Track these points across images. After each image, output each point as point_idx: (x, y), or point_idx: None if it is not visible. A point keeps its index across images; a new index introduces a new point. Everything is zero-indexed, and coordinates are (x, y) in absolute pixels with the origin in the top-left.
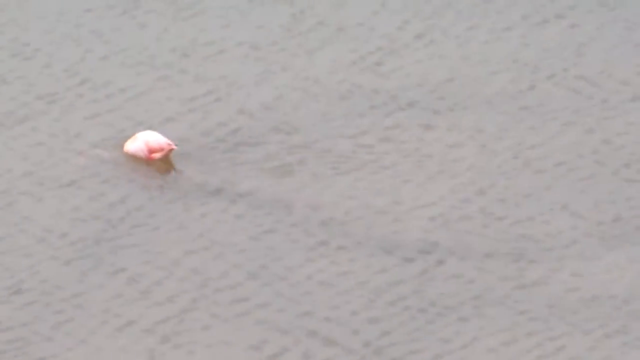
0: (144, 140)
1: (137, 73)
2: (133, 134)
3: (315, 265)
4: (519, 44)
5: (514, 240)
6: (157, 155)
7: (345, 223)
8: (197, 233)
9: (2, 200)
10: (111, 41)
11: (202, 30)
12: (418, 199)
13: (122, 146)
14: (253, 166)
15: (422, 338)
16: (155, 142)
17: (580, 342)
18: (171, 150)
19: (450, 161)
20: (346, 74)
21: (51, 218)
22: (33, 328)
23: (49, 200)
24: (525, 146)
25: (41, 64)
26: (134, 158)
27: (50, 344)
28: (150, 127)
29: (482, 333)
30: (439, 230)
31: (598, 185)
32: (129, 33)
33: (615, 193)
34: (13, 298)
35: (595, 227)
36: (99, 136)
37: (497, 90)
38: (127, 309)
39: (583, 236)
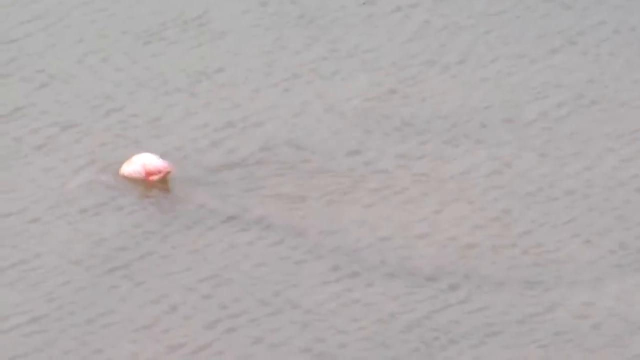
0: (141, 163)
1: (152, 99)
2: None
3: (328, 291)
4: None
5: (526, 267)
6: (154, 178)
7: (359, 249)
8: (210, 260)
9: (18, 227)
10: (127, 67)
11: (218, 57)
12: (431, 225)
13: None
14: (266, 192)
15: None
16: (152, 165)
17: None
18: (168, 172)
19: (464, 188)
20: (362, 100)
21: (65, 244)
22: (49, 354)
23: (62, 226)
24: (537, 173)
25: (57, 91)
26: (130, 181)
27: None
28: (166, 153)
29: None
30: (451, 257)
31: (610, 212)
32: (144, 59)
33: (627, 220)
34: (29, 324)
35: (607, 254)
36: (114, 162)
37: (512, 117)
38: (141, 335)
39: (595, 263)
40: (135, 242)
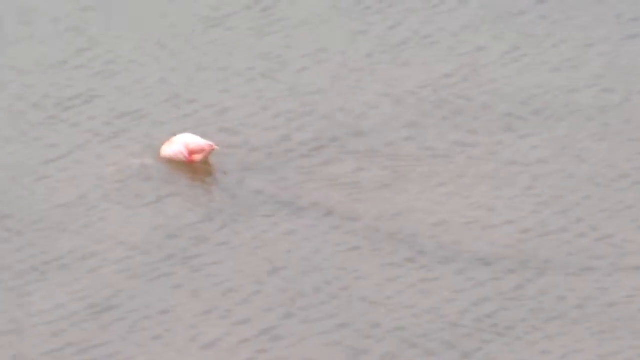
0: (183, 143)
1: (211, 85)
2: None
3: (384, 277)
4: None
5: (583, 252)
6: (197, 157)
7: (415, 235)
8: (266, 246)
9: (77, 214)
10: (195, 55)
11: (280, 43)
12: (488, 210)
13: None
14: (322, 178)
15: (512, 353)
16: (195, 144)
17: None
18: (212, 150)
19: (521, 172)
20: (420, 85)
21: (123, 232)
22: (107, 340)
23: (125, 217)
24: (595, 158)
25: (127, 81)
26: (172, 162)
27: None
28: (223, 138)
29: (570, 349)
30: (508, 242)
31: None
32: (214, 46)
33: None
34: (96, 317)
35: None
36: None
37: (569, 102)
38: (199, 321)
39: None
40: (191, 229)
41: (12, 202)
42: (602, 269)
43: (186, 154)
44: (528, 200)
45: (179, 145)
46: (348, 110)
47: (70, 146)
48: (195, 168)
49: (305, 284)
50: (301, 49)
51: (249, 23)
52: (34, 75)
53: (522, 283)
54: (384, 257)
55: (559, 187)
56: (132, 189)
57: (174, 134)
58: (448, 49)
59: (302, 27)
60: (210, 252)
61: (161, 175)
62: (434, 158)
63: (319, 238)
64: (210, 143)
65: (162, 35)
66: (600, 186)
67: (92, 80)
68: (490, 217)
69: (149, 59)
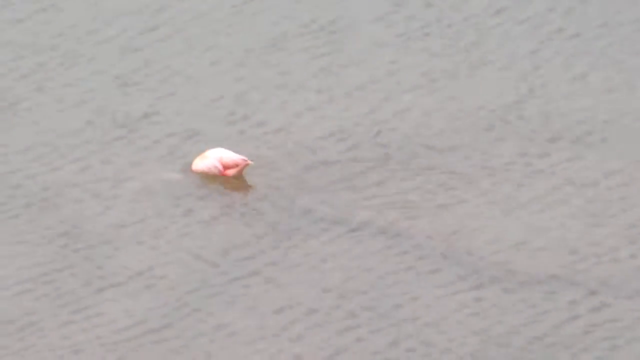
0: (217, 157)
1: (281, 103)
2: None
3: (442, 300)
4: None
5: None
6: (231, 172)
7: (472, 255)
8: (319, 265)
9: (134, 236)
10: (250, 74)
11: (342, 62)
12: (553, 231)
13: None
14: (376, 195)
15: None
16: (229, 159)
17: None
18: (246, 165)
19: (590, 195)
20: (492, 105)
21: (185, 252)
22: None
23: (179, 234)
24: None
25: (184, 99)
26: (204, 176)
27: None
28: (289, 151)
29: None
30: (571, 265)
31: None
32: (269, 65)
33: None
34: (150, 334)
35: None
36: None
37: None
38: (266, 345)
39: None
40: (244, 246)
41: (69, 220)
42: None
43: (220, 168)
44: (581, 221)
45: (212, 159)
46: (402, 129)
47: (124, 163)
48: (246, 185)
49: (357, 303)
50: (356, 68)
51: (305, 42)
52: (94, 94)
53: (574, 304)
54: (437, 277)
55: (612, 208)
56: (185, 206)
57: (230, 151)
58: (505, 69)
59: (357, 47)
60: (263, 270)
61: (213, 192)
62: (489, 177)
63: (372, 257)
64: (244, 158)
65: (219, 53)
66: None
67: (159, 101)
68: (543, 237)
69: (206, 76)
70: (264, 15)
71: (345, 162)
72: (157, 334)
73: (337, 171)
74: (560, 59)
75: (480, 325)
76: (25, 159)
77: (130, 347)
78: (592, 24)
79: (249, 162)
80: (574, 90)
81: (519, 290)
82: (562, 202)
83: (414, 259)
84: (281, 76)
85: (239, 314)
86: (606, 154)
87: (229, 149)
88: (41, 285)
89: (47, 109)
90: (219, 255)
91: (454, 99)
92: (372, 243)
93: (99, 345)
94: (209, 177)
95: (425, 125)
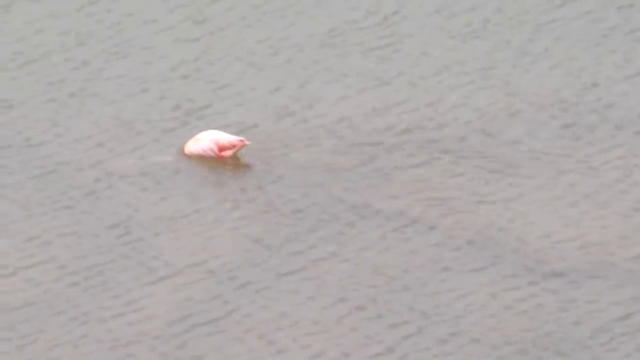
0: (213, 139)
1: (340, 95)
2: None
3: (481, 294)
4: None
5: None
6: (227, 153)
7: (510, 247)
8: (348, 255)
9: (181, 230)
10: (315, 63)
11: (391, 54)
12: (606, 227)
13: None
14: (427, 188)
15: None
16: (226, 140)
17: None
18: (243, 146)
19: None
20: (550, 99)
21: (231, 247)
22: (233, 352)
23: (224, 230)
24: None
25: (236, 94)
26: (198, 158)
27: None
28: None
29: None
30: (625, 262)
31: None
32: (320, 59)
33: None
34: (198, 327)
35: None
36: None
37: None
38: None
39: None
40: (283, 241)
41: (123, 210)
42: None
43: (216, 150)
44: (636, 219)
45: (207, 141)
46: (458, 121)
47: (178, 153)
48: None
49: (404, 300)
50: (414, 59)
51: (360, 37)
52: (151, 83)
53: (634, 300)
54: (487, 273)
55: None
56: (227, 203)
57: (283, 142)
58: (561, 64)
59: (416, 39)
60: (310, 265)
61: (255, 186)
62: (544, 171)
63: (424, 252)
64: (242, 138)
65: (278, 43)
66: None
67: (207, 88)
68: (598, 233)
69: (258, 72)
70: (323, 6)
71: (405, 154)
72: (205, 327)
73: (393, 161)
74: (617, 54)
75: (533, 322)
76: (81, 149)
77: (176, 341)
78: None
79: (246, 142)
80: (632, 85)
81: (570, 288)
82: (617, 198)
83: (464, 254)
84: (339, 67)
85: (283, 307)
86: None
87: (287, 139)
88: (93, 277)
89: (104, 99)
90: (268, 248)
91: (511, 93)
92: (425, 238)
93: (153, 338)
94: (206, 160)
95: (481, 118)
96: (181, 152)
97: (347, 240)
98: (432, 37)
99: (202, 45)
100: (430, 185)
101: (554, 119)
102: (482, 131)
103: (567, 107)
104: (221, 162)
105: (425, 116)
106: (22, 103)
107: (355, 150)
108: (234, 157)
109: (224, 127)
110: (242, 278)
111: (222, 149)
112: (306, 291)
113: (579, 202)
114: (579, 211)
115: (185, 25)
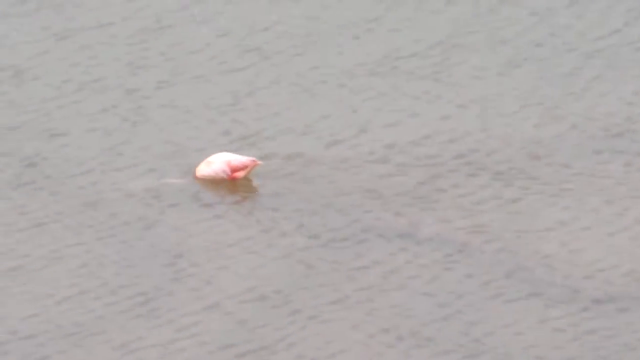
0: (225, 161)
1: (391, 119)
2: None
3: (543, 325)
4: None
5: None
6: (240, 174)
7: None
8: (382, 276)
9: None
10: (366, 89)
11: (453, 79)
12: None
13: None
14: (479, 210)
15: None
16: (238, 161)
17: None
18: (255, 166)
19: None
20: (600, 123)
21: (263, 269)
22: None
23: (267, 252)
24: None
25: (283, 125)
26: (210, 181)
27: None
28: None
29: None
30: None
31: None
32: (384, 78)
33: None
34: (229, 351)
35: None
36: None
37: None
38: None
39: None
40: (317, 260)
41: (167, 238)
42: None
43: (229, 171)
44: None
45: (219, 164)
46: (509, 146)
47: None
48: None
49: (454, 327)
50: (462, 86)
51: (410, 64)
52: (198, 111)
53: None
54: (531, 302)
55: None
56: (276, 229)
57: (332, 167)
58: (613, 90)
59: (464, 67)
60: (349, 290)
61: (288, 207)
62: (593, 196)
63: (466, 278)
64: (253, 159)
65: (329, 70)
66: None
67: (256, 115)
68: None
69: (316, 91)
70: (373, 33)
71: (455, 179)
72: (231, 351)
73: (442, 187)
74: None
75: (583, 349)
76: (132, 175)
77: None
78: None
79: (258, 162)
80: None
81: (619, 315)
82: None
83: (512, 281)
84: (390, 93)
85: (312, 327)
86: None
87: (335, 164)
88: (144, 303)
89: (155, 126)
90: (318, 274)
91: (561, 119)
92: (473, 264)
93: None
94: (216, 182)
95: (531, 144)
96: (193, 175)
97: (396, 266)
98: (482, 62)
99: (251, 73)
100: (478, 210)
101: (605, 145)
102: (531, 157)
103: (618, 134)
104: (233, 183)
105: (475, 142)
106: (73, 130)
107: (404, 176)
108: (247, 178)
109: (273, 155)
110: (293, 304)
111: (234, 170)
112: (356, 318)
113: (628, 228)
114: (628, 236)
115: (234, 52)
